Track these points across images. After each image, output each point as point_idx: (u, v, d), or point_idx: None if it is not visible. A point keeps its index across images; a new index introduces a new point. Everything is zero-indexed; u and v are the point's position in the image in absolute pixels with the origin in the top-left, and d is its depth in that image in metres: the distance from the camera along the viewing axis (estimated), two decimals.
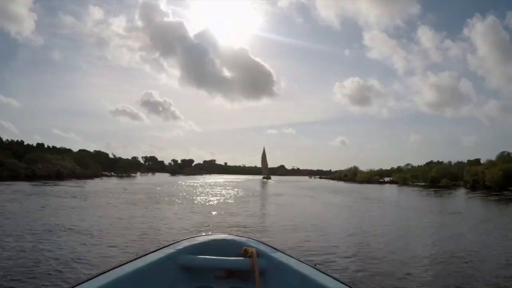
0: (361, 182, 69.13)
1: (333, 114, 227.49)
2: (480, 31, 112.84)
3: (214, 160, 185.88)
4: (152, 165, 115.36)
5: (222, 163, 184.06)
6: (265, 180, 75.39)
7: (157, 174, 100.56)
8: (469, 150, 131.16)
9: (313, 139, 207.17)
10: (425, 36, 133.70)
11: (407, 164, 75.21)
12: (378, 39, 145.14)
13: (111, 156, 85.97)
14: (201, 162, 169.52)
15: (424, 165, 69.58)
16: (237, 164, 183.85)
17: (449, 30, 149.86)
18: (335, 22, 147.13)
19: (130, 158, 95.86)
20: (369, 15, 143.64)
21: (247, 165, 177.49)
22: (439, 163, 68.43)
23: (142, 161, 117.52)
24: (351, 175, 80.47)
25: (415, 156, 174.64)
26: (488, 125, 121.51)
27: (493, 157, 50.97)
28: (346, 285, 1.47)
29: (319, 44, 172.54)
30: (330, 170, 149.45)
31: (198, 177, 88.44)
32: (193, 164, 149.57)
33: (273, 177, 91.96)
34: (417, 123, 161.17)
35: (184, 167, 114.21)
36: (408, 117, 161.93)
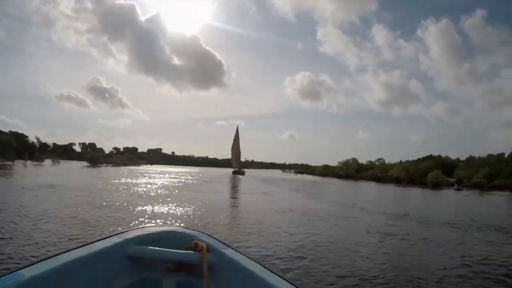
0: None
1: (283, 108, 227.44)
2: (433, 32, 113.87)
3: (160, 149, 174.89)
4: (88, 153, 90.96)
5: (169, 153, 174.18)
6: (238, 175, 53.64)
7: (75, 162, 79.94)
8: (416, 148, 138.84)
9: (262, 132, 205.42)
10: (379, 34, 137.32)
11: (379, 159, 74.86)
12: (332, 34, 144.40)
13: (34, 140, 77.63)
14: (145, 151, 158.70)
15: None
16: (186, 154, 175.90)
17: (403, 29, 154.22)
18: (289, 14, 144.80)
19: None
20: (325, 9, 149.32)
21: (196, 156, 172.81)
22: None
23: (79, 148, 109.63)
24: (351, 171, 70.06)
25: (363, 152, 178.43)
26: (435, 125, 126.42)
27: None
28: (293, 284, 1.46)
29: (272, 36, 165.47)
30: (285, 163, 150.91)
31: (129, 169, 65.76)
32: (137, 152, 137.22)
33: (247, 171, 67.93)
34: (367, 120, 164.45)
35: (114, 155, 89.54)
36: (358, 114, 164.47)
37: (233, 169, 64.29)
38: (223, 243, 1.89)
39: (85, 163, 71.21)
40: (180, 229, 2.00)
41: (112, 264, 1.66)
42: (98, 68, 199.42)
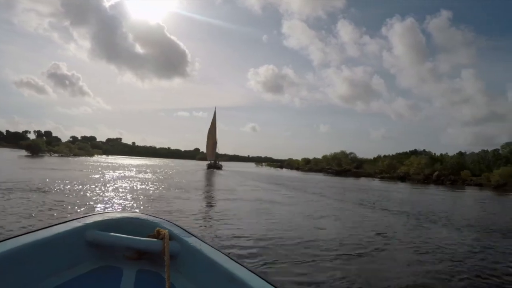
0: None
1: (246, 100, 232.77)
2: (398, 31, 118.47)
3: (120, 139, 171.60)
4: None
5: (130, 143, 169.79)
6: (215, 170, 43.11)
7: (6, 150, 70.85)
8: (376, 143, 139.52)
9: (225, 124, 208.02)
10: (345, 30, 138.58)
11: (350, 153, 71.45)
12: (297, 28, 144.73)
13: None
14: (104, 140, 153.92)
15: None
16: (147, 145, 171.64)
17: (369, 26, 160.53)
18: (256, 6, 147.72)
19: None
20: (292, 3, 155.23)
21: (158, 147, 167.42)
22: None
23: (34, 136, 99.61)
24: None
25: (324, 146, 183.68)
26: (395, 121, 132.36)
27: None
28: (257, 274, 1.45)
29: (238, 27, 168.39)
30: (248, 156, 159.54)
31: (77, 160, 55.19)
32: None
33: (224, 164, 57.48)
34: (328, 114, 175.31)
35: (61, 145, 76.76)
36: (320, 108, 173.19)
37: (207, 162, 52.30)
38: (186, 231, 1.82)
39: (23, 152, 59.12)
40: (143, 216, 1.91)
41: (70, 250, 1.58)
42: (59, 53, 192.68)
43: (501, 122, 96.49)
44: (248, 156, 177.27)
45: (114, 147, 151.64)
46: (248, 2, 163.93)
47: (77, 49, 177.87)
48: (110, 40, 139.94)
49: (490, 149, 49.64)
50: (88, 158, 64.69)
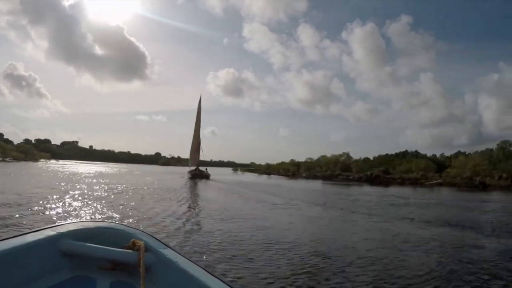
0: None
1: (206, 103, 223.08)
2: (358, 35, 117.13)
3: (76, 142, 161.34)
4: None
5: (87, 147, 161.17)
6: (203, 180, 32.12)
7: None
8: (336, 146, 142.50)
9: (185, 127, 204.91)
10: (306, 33, 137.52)
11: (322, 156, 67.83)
12: (258, 31, 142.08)
13: None
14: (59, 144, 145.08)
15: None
16: (106, 149, 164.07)
17: (329, 30, 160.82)
18: (217, 8, 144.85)
19: None
20: (253, 5, 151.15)
21: (116, 151, 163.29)
22: None
23: None
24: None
25: (285, 150, 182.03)
26: (355, 124, 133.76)
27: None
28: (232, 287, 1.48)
29: (200, 29, 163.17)
30: (211, 160, 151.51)
31: (11, 165, 45.15)
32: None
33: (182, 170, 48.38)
34: (289, 118, 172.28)
35: None
36: (280, 112, 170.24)
37: (189, 169, 39.84)
38: (162, 242, 1.79)
39: None
40: (118, 226, 1.86)
41: (43, 259, 1.53)
42: (16, 53, 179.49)
43: (459, 124, 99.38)
44: (211, 160, 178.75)
45: (70, 150, 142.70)
46: (209, 4, 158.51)
47: (35, 49, 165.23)
48: (69, 41, 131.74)
49: (448, 150, 47.13)
50: (31, 164, 54.50)
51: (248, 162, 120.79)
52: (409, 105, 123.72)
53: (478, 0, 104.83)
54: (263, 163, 79.07)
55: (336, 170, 54.92)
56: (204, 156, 42.14)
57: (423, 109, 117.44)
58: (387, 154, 63.50)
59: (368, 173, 48.30)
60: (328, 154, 63.88)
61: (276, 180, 44.62)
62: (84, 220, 2.26)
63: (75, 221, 1.92)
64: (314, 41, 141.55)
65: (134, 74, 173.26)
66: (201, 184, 27.62)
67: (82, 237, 1.67)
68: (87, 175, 31.05)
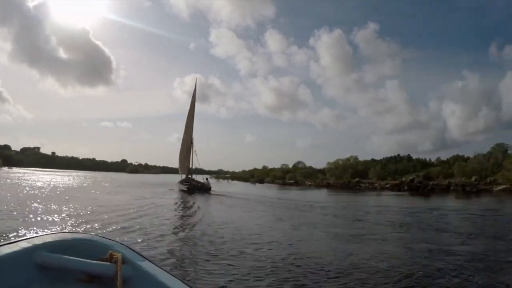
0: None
1: (172, 109, 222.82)
2: (326, 42, 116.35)
3: (37, 148, 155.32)
4: None
5: (49, 153, 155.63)
6: (200, 193, 25.77)
7: None
8: (302, 152, 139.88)
9: (150, 134, 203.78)
10: (273, 39, 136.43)
11: (298, 162, 69.61)
12: (225, 36, 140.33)
13: None
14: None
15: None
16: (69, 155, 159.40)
17: (297, 37, 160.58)
18: (184, 12, 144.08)
19: None
20: (221, 11, 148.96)
21: (81, 157, 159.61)
22: None
23: None
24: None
25: (251, 156, 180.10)
26: (321, 130, 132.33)
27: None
28: None
29: (167, 34, 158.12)
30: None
31: None
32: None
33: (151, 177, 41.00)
34: (255, 124, 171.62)
35: None
36: (247, 118, 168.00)
37: (182, 179, 31.97)
38: (140, 255, 1.75)
39: None
40: (96, 238, 1.82)
41: (17, 272, 1.49)
42: None
43: (423, 130, 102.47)
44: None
45: (30, 157, 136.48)
46: (176, 8, 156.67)
47: None
48: (32, 43, 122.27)
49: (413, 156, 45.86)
50: None
51: (215, 169, 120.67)
52: (375, 112, 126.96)
53: (443, 10, 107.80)
54: (230, 170, 75.37)
55: (346, 176, 49.15)
56: (198, 160, 33.49)
57: (388, 116, 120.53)
58: (373, 159, 60.61)
59: (405, 179, 41.58)
60: (293, 161, 63.72)
61: (291, 191, 37.61)
62: (60, 231, 2.21)
63: (52, 232, 1.90)
64: (281, 47, 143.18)
65: (99, 79, 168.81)
66: (207, 201, 20.88)
67: (59, 249, 1.62)
68: (31, 189, 23.27)
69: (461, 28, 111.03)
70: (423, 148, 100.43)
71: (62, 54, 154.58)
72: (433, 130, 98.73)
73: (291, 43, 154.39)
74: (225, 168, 75.32)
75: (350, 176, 49.33)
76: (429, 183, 39.75)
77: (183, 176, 32.99)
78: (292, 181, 56.41)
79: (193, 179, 30.70)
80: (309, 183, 51.82)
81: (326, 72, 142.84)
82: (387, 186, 43.45)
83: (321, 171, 60.26)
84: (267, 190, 38.42)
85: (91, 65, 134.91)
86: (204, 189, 27.10)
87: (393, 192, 37.84)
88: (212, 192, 26.66)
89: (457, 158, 53.20)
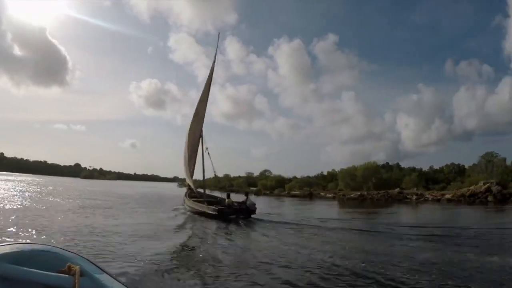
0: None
1: (127, 114, 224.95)
2: (285, 51, 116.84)
3: None
4: None
5: None
6: (241, 222, 13.71)
7: None
8: (257, 161, 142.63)
9: (104, 138, 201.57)
10: (232, 47, 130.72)
11: (265, 170, 71.09)
12: (184, 42, 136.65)
13: None
14: None
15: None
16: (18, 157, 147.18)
17: (256, 45, 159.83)
18: (145, 15, 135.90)
19: None
20: (182, 14, 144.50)
21: (31, 160, 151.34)
22: None
23: None
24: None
25: (206, 164, 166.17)
26: (276, 139, 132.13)
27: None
28: None
29: (126, 36, 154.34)
30: (134, 173, 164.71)
31: None
32: None
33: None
34: (211, 132, 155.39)
35: None
36: (204, 126, 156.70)
37: (189, 192, 20.21)
38: (99, 267, 1.72)
39: None
40: (55, 249, 1.78)
41: None
42: None
43: (377, 141, 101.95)
44: (134, 174, 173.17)
45: None
46: (137, 9, 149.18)
47: None
48: None
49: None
50: None
51: (171, 176, 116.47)
52: (330, 122, 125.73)
53: (402, 25, 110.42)
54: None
55: (368, 186, 41.28)
56: (214, 165, 17.12)
57: (344, 126, 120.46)
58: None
59: (478, 189, 32.03)
60: (250, 169, 59.94)
61: (332, 207, 25.13)
62: (19, 242, 2.18)
63: (10, 243, 1.82)
64: (240, 55, 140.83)
65: (54, 79, 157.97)
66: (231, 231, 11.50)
67: (17, 260, 1.59)
68: None
69: (418, 43, 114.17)
70: (376, 158, 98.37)
71: (17, 51, 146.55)
72: (387, 141, 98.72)
73: (250, 51, 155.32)
74: (181, 175, 66.71)
75: (373, 186, 41.22)
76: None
77: (186, 185, 23.00)
78: (296, 192, 45.90)
79: (190, 187, 20.59)
80: (332, 195, 41.61)
81: (284, 81, 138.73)
82: (442, 197, 34.25)
83: (290, 180, 55.93)
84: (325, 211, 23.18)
85: (46, 64, 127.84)
86: (246, 211, 15.34)
87: (465, 205, 28.74)
88: (254, 216, 15.25)
89: (413, 170, 54.13)
